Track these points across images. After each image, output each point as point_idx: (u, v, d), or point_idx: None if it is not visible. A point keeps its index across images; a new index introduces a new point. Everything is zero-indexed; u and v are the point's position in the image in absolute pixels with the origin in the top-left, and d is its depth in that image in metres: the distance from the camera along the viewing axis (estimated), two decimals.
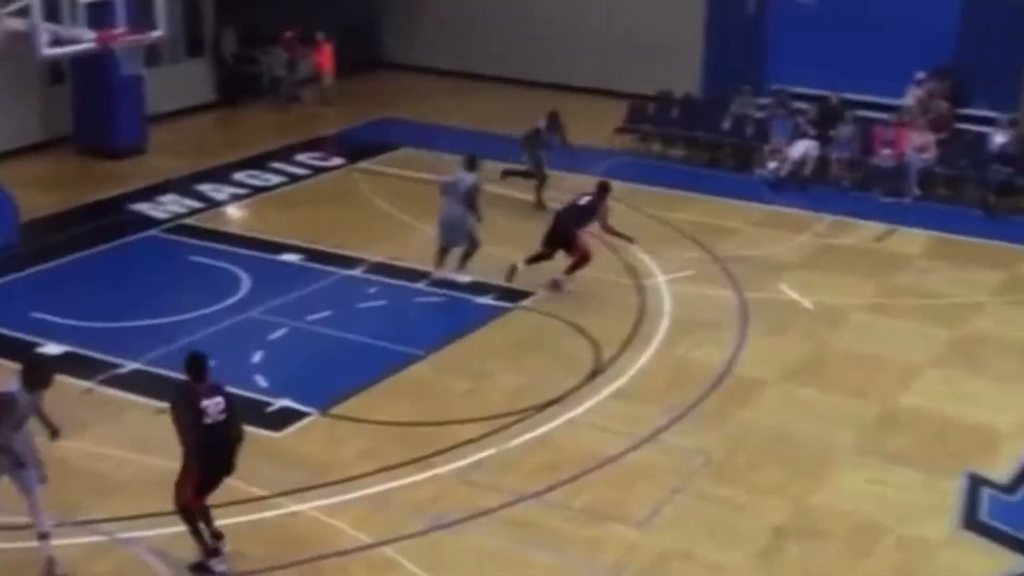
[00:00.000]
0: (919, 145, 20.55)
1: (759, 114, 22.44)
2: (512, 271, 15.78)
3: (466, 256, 15.93)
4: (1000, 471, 11.77)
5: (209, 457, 9.56)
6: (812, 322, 15.25)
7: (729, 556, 10.40)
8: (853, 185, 20.66)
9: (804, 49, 23.15)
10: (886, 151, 20.78)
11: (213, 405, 9.52)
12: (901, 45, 22.28)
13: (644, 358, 14.12)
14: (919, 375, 13.85)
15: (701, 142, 22.37)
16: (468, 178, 15.86)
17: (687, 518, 10.94)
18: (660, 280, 16.37)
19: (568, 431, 12.44)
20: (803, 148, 20.88)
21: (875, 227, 18.72)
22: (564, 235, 15.73)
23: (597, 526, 10.81)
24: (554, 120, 19.49)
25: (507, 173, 19.42)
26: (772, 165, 20.75)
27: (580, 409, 12.87)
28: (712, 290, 16.14)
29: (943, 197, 20.18)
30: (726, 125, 22.25)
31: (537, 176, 19.11)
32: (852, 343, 14.72)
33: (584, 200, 16.00)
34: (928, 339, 14.77)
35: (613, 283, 16.24)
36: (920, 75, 22.06)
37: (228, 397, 9.68)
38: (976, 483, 11.53)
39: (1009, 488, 11.53)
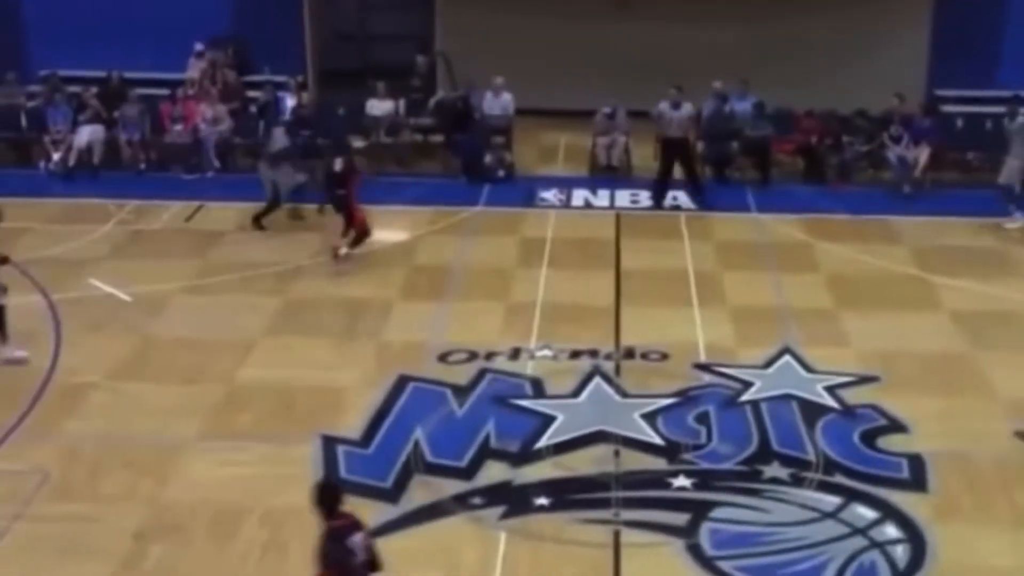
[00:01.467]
0: (211, 117, 21.13)
1: (31, 103, 21.94)
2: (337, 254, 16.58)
3: None
4: (351, 427, 12.49)
5: None
6: (133, 314, 15.28)
7: (88, 572, 10.21)
8: (150, 166, 20.87)
9: (73, 29, 22.96)
10: (178, 127, 21.15)
11: (360, 540, 8.12)
12: (176, 17, 22.80)
13: None
14: (255, 348, 14.34)
15: None
16: None
17: (34, 543, 10.58)
18: None
19: None
20: (88, 134, 20.71)
21: (182, 206, 19.09)
22: (338, 204, 16.86)
23: None
24: None
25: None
26: (57, 156, 20.40)
27: None
28: (15, 298, 15.54)
29: (244, 168, 20.88)
30: None
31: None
32: (179, 328, 14.94)
33: (338, 166, 16.65)
34: (257, 310, 15.33)
35: None
36: (200, 47, 22.65)
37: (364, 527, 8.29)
38: (330, 443, 12.17)
39: (362, 442, 12.28)
